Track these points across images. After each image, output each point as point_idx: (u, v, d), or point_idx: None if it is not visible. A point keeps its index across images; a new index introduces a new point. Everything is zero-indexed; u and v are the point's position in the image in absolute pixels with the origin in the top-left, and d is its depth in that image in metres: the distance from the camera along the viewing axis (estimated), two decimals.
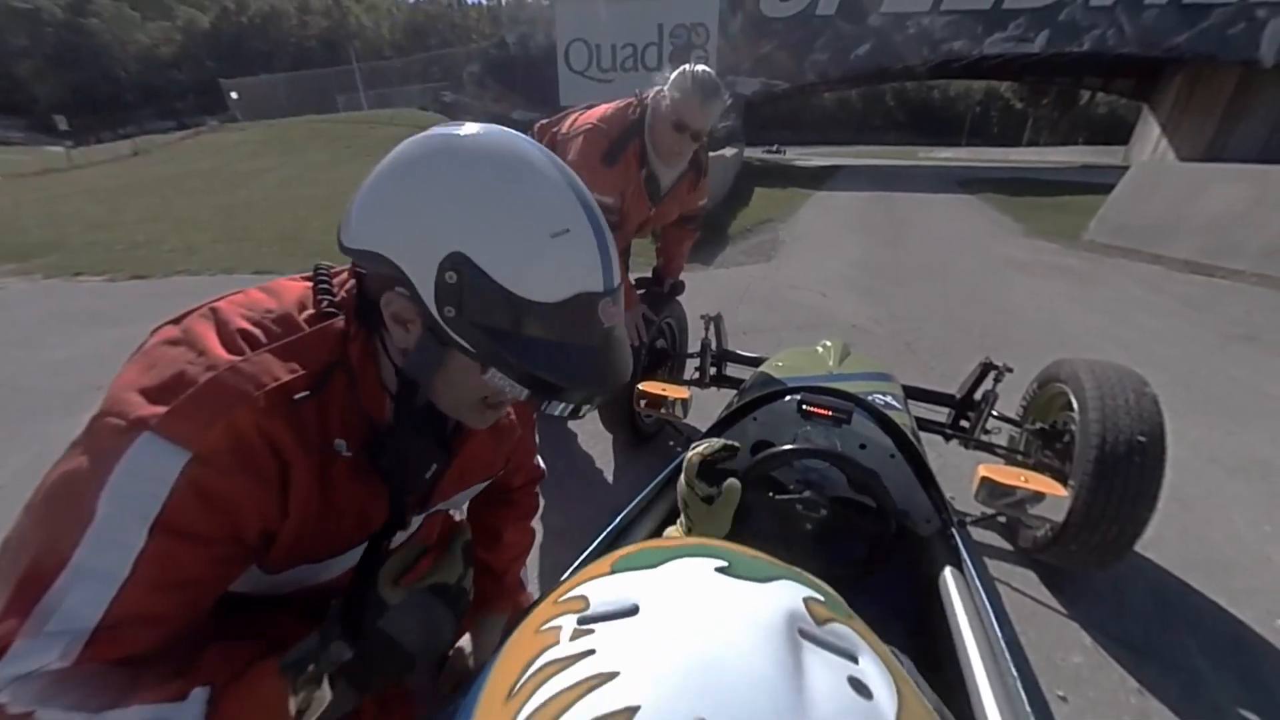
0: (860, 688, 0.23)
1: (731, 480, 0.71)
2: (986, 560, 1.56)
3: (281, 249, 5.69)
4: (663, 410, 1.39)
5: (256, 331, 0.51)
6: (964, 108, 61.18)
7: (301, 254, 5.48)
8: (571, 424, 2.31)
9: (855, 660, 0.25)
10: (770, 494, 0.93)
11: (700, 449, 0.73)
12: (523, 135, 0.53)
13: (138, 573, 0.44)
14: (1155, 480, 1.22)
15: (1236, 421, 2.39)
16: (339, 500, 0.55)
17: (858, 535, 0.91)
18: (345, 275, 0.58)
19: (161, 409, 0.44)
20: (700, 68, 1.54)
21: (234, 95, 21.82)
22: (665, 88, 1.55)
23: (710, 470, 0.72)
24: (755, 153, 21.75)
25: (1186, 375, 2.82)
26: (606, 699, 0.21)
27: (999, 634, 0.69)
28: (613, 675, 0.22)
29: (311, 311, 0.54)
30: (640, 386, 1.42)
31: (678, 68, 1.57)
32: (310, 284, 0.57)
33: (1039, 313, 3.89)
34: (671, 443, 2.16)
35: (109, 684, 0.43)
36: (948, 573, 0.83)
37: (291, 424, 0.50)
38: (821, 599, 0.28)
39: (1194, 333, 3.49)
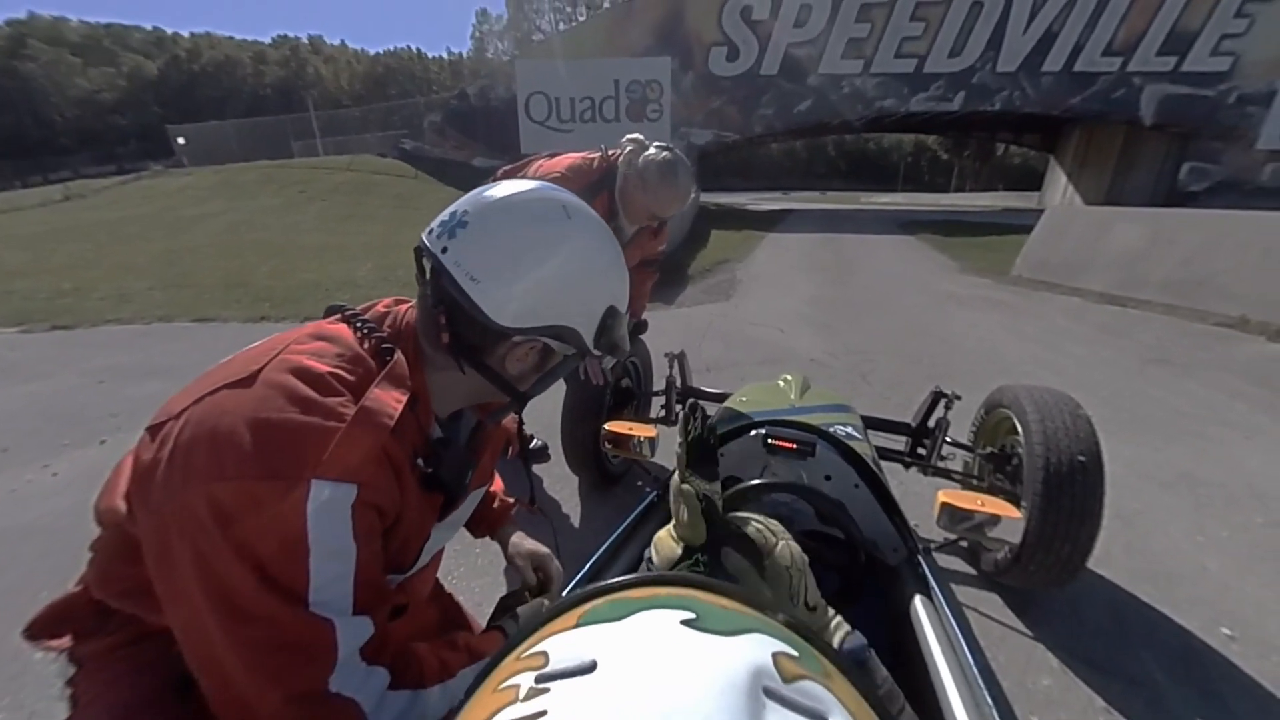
0: None
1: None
2: (953, 586, 1.59)
3: (226, 295, 5.44)
4: (630, 450, 1.37)
5: (341, 373, 0.56)
6: (897, 158, 66.87)
7: (248, 300, 5.25)
8: (537, 468, 2.24)
9: (823, 719, 0.24)
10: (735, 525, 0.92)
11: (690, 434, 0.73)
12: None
13: (359, 573, 0.53)
14: (1098, 498, 1.29)
15: (1161, 438, 2.58)
16: (413, 512, 0.62)
17: (829, 568, 0.90)
18: (382, 311, 0.67)
19: (313, 460, 0.50)
20: (665, 155, 1.56)
21: (181, 140, 21.25)
22: (636, 159, 1.57)
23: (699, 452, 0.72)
24: (712, 198, 22.82)
25: (1113, 397, 3.05)
26: None
27: (971, 661, 0.69)
28: None
29: (369, 346, 0.61)
30: (606, 427, 1.41)
31: (642, 145, 1.59)
32: (345, 325, 0.63)
33: (979, 343, 4.15)
34: (640, 482, 2.13)
35: (401, 678, 0.56)
36: (918, 601, 0.84)
37: (399, 443, 0.57)
38: (795, 654, 0.27)
39: (1115, 358, 3.80)
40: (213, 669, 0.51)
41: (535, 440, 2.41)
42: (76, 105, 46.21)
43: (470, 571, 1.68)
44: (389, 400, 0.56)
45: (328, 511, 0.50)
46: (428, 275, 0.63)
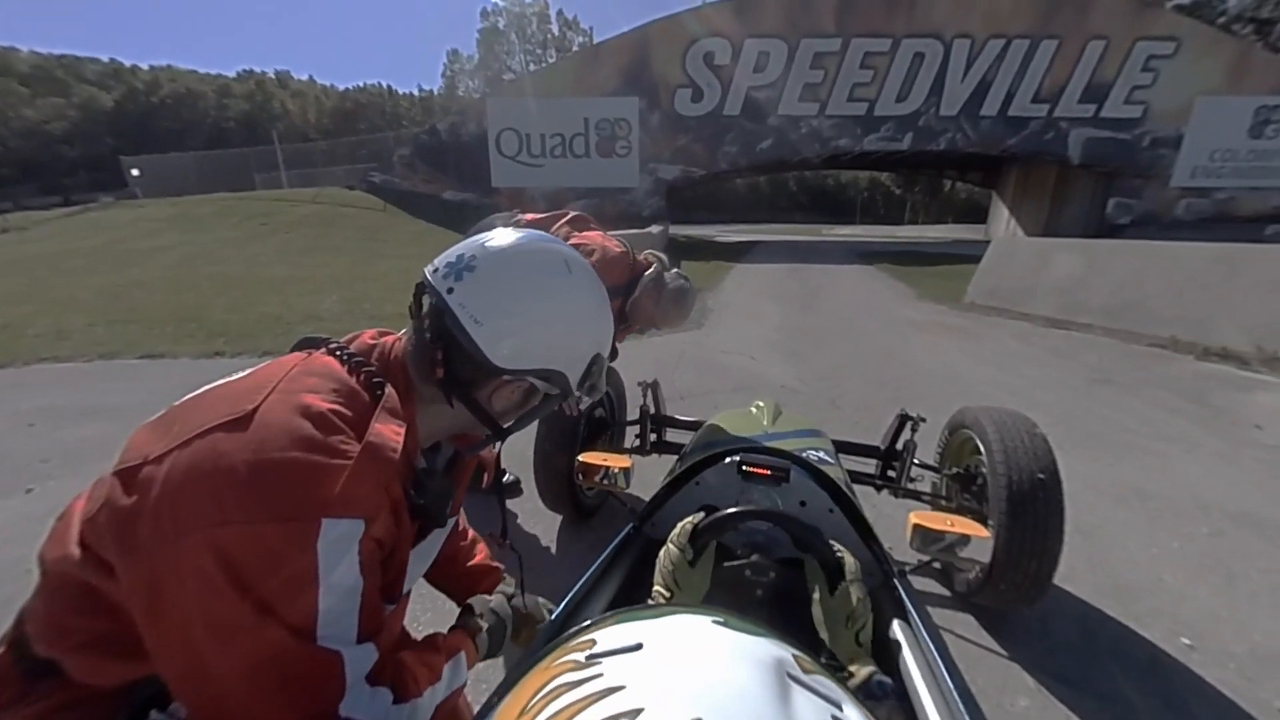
0: None
1: (711, 541, 0.82)
2: (929, 608, 1.60)
3: (177, 330, 5.18)
4: (605, 481, 1.35)
5: (339, 408, 0.56)
6: (854, 192, 70.67)
7: (202, 335, 5.01)
8: (510, 504, 2.17)
9: (840, 707, 0.27)
10: (720, 562, 0.91)
11: (691, 520, 0.85)
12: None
13: (364, 605, 0.54)
14: (1059, 514, 1.34)
15: (1111, 454, 2.71)
16: (405, 543, 0.63)
17: (807, 595, 0.90)
18: (369, 343, 0.67)
19: (324, 499, 0.50)
20: (682, 283, 1.70)
21: (135, 172, 20.55)
22: (660, 277, 1.68)
23: (694, 536, 0.83)
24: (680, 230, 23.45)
25: (1065, 416, 3.21)
26: (613, 705, 0.23)
27: (951, 685, 0.69)
28: (619, 688, 0.24)
29: (360, 380, 0.61)
30: (581, 459, 1.38)
31: (665, 266, 1.72)
32: (332, 359, 0.63)
33: (940, 366, 4.32)
34: (615, 515, 2.09)
35: (401, 693, 0.58)
36: (895, 625, 0.83)
37: (397, 475, 0.58)
38: (809, 661, 0.31)
39: (1063, 378, 4.01)
40: (218, 710, 0.50)
41: (508, 474, 2.34)
42: (21, 136, 44.30)
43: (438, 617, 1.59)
44: (390, 434, 0.57)
45: (337, 548, 0.50)
46: (424, 309, 0.65)
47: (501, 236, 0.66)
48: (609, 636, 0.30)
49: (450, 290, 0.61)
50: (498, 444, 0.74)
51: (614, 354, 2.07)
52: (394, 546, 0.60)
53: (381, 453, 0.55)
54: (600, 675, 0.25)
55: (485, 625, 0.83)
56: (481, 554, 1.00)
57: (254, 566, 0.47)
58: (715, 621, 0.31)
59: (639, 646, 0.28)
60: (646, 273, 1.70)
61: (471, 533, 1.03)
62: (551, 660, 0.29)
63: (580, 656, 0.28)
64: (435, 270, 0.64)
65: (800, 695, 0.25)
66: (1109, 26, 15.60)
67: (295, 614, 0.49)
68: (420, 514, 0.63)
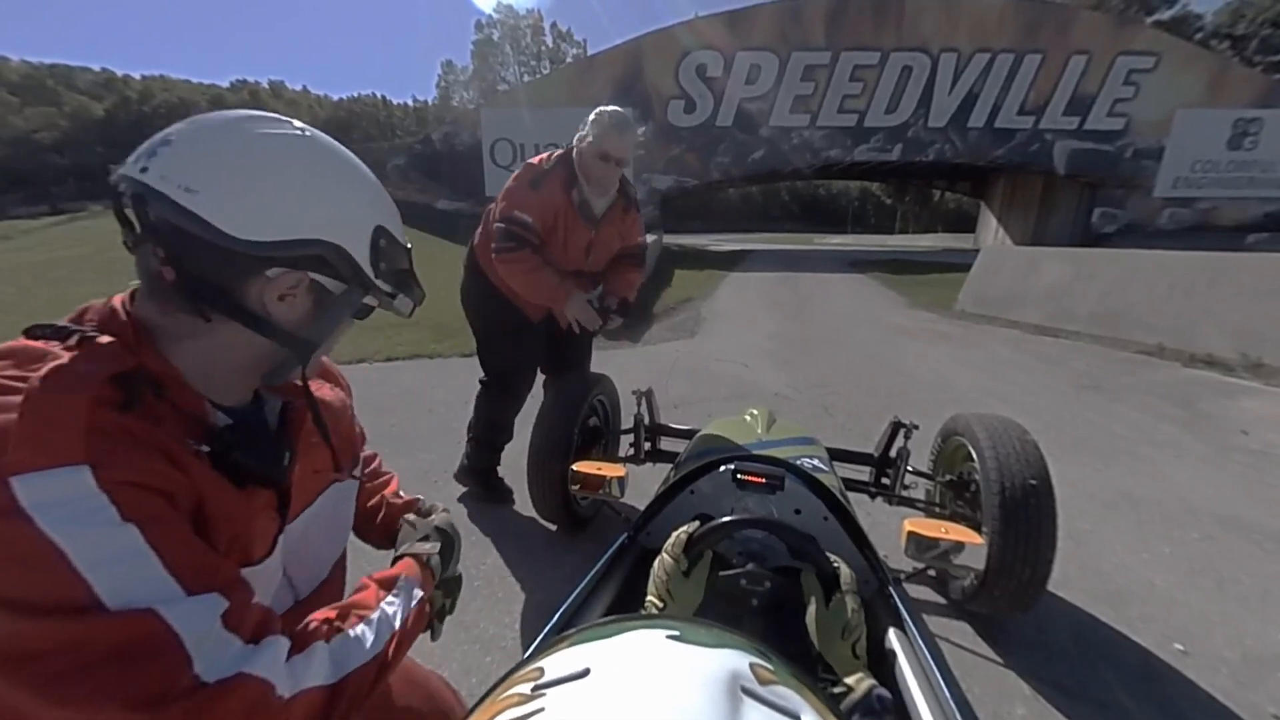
0: None
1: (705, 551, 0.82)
2: (924, 616, 1.59)
3: None
4: (599, 490, 1.34)
5: (5, 379, 0.44)
6: (845, 202, 71.55)
7: None
8: (502, 517, 2.16)
9: (798, 718, 0.26)
10: (715, 572, 0.90)
11: (686, 529, 0.84)
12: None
13: (163, 553, 0.44)
14: (1051, 519, 1.34)
15: (1100, 459, 2.74)
16: (223, 502, 0.53)
17: (803, 605, 0.89)
18: (82, 308, 0.53)
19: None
20: (613, 108, 1.80)
21: None
22: (585, 129, 1.79)
23: (688, 545, 0.83)
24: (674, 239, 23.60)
25: (1054, 422, 3.23)
26: None
27: (948, 694, 0.68)
28: None
29: (65, 344, 0.48)
30: (575, 468, 1.37)
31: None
32: (27, 339, 0.50)
33: (930, 373, 4.35)
34: (609, 524, 2.07)
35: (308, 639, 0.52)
36: (891, 634, 0.83)
37: (140, 423, 0.47)
38: (769, 666, 0.29)
39: (1053, 384, 4.05)
40: None
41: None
42: (9, 144, 43.96)
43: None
44: (82, 364, 0.46)
45: (61, 505, 0.41)
46: (135, 220, 0.50)
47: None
48: (557, 663, 0.29)
49: (144, 170, 0.48)
50: (305, 362, 0.59)
51: (626, 306, 2.05)
52: (199, 503, 0.50)
53: (57, 388, 0.43)
54: (541, 711, 0.25)
55: (435, 546, 0.74)
56: (393, 488, 0.91)
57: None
58: (669, 636, 0.29)
59: (585, 673, 0.27)
60: (575, 138, 1.84)
61: (384, 473, 0.93)
62: (498, 694, 0.28)
63: (526, 689, 0.27)
64: (124, 165, 0.50)
65: (753, 711, 0.25)
66: (1091, 42, 15.99)
67: (55, 593, 0.40)
68: (235, 472, 0.54)
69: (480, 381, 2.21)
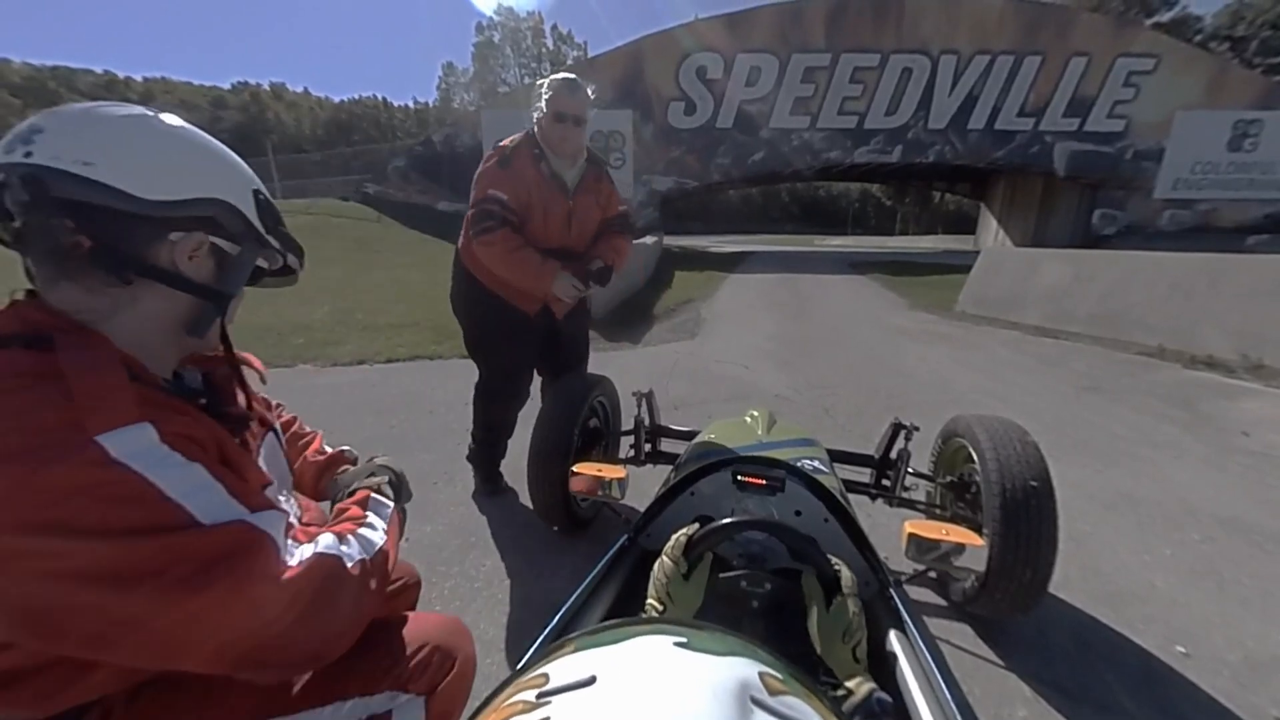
0: None
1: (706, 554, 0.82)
2: (925, 618, 1.59)
3: None
4: (599, 492, 1.34)
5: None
6: (845, 204, 71.62)
7: None
8: (502, 518, 2.16)
9: None
10: (716, 573, 0.90)
11: (686, 531, 0.84)
12: None
13: (224, 484, 0.56)
14: (1052, 521, 1.34)
15: (1101, 461, 2.73)
16: (232, 445, 0.64)
17: (803, 607, 0.89)
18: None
19: (75, 425, 0.48)
20: (561, 74, 1.84)
21: None
22: (539, 101, 1.82)
23: (688, 547, 0.83)
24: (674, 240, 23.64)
25: (1055, 423, 3.23)
26: None
27: (949, 697, 0.68)
28: None
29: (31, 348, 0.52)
30: (575, 469, 1.37)
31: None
32: None
33: (931, 374, 4.35)
34: (610, 526, 2.07)
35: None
36: (892, 636, 0.83)
37: (156, 391, 0.58)
38: (779, 675, 0.29)
39: (1053, 385, 4.05)
40: (192, 645, 0.51)
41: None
42: None
43: None
44: (89, 357, 0.53)
45: (143, 454, 0.50)
46: (15, 223, 0.54)
47: None
48: (562, 669, 0.28)
49: (29, 154, 0.51)
50: (221, 314, 0.66)
51: (607, 273, 2.00)
52: (222, 447, 0.60)
53: (93, 364, 0.51)
54: (548, 719, 0.24)
55: (384, 478, 0.87)
56: (317, 444, 1.01)
57: (77, 515, 0.46)
58: (677, 643, 0.29)
59: (592, 680, 0.26)
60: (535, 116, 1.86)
61: (307, 433, 1.02)
62: (503, 700, 0.28)
63: (530, 696, 0.27)
64: None
65: None
66: (1090, 43, 16.01)
67: (160, 518, 0.49)
68: (226, 421, 0.66)
69: (476, 386, 2.19)
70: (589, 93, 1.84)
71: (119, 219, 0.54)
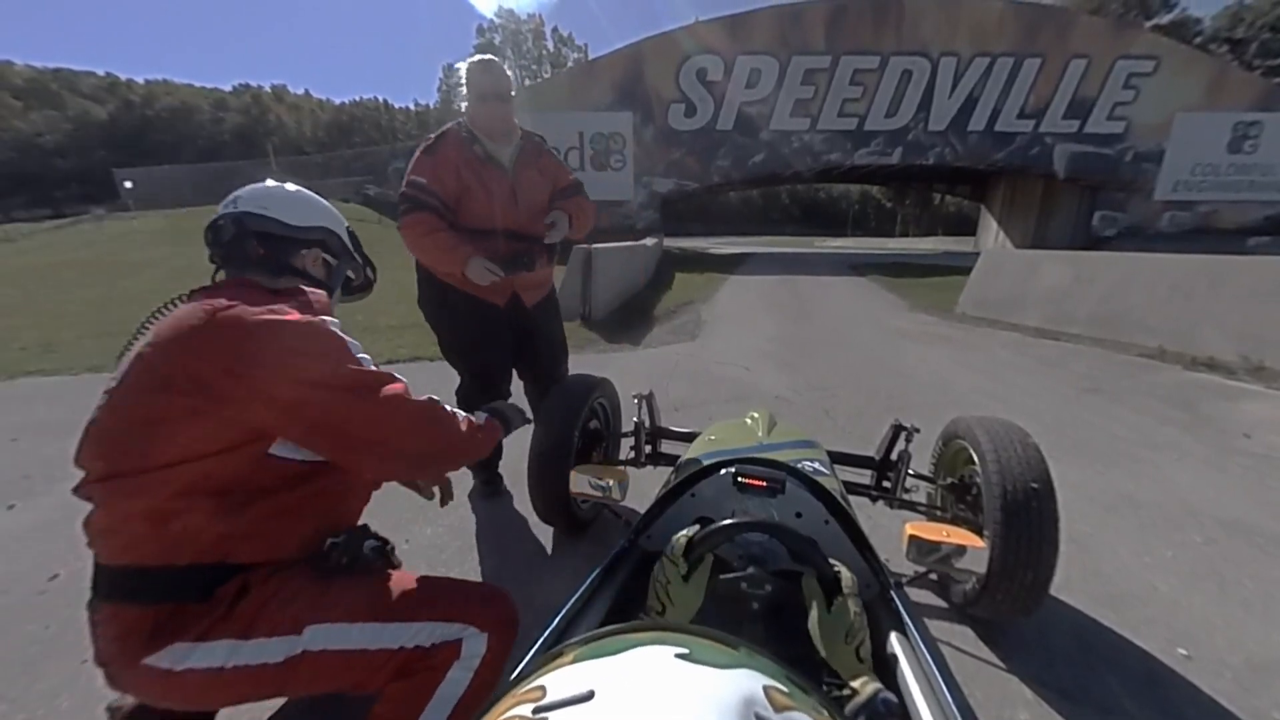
0: None
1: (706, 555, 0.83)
2: (926, 620, 1.59)
3: None
4: (600, 494, 1.34)
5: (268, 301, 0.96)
6: (845, 205, 71.67)
7: None
8: (503, 520, 2.16)
9: None
10: (716, 575, 0.90)
11: (687, 533, 0.86)
12: None
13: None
14: (1053, 523, 1.34)
15: (1102, 462, 2.73)
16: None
17: (804, 608, 0.89)
18: (221, 288, 0.97)
19: (314, 312, 0.95)
20: (477, 56, 1.90)
21: (128, 184, 20.47)
22: (464, 89, 1.90)
23: (688, 549, 0.84)
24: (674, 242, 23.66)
25: (1055, 425, 3.23)
26: None
27: (950, 700, 0.68)
28: None
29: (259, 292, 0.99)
30: (575, 471, 1.37)
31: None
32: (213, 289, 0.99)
33: (931, 376, 4.34)
34: (610, 527, 2.07)
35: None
36: (893, 638, 0.83)
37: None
38: (784, 689, 0.28)
39: (1054, 387, 4.05)
40: (378, 433, 0.91)
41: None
42: (13, 148, 44.13)
43: None
44: (310, 296, 1.01)
45: (340, 331, 0.93)
46: (228, 238, 1.02)
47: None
48: (559, 682, 0.28)
49: (236, 205, 1.04)
50: (332, 297, 1.13)
51: (527, 263, 1.97)
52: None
53: (310, 301, 0.99)
54: None
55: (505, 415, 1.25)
56: None
57: (328, 350, 0.89)
58: (678, 654, 0.28)
59: (590, 695, 0.26)
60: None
61: None
62: (499, 714, 0.28)
63: (526, 711, 0.26)
64: (218, 217, 1.03)
65: None
66: (1090, 46, 16.04)
67: (355, 359, 0.91)
68: None
69: (457, 393, 2.17)
70: (505, 70, 1.92)
71: (278, 239, 1.04)
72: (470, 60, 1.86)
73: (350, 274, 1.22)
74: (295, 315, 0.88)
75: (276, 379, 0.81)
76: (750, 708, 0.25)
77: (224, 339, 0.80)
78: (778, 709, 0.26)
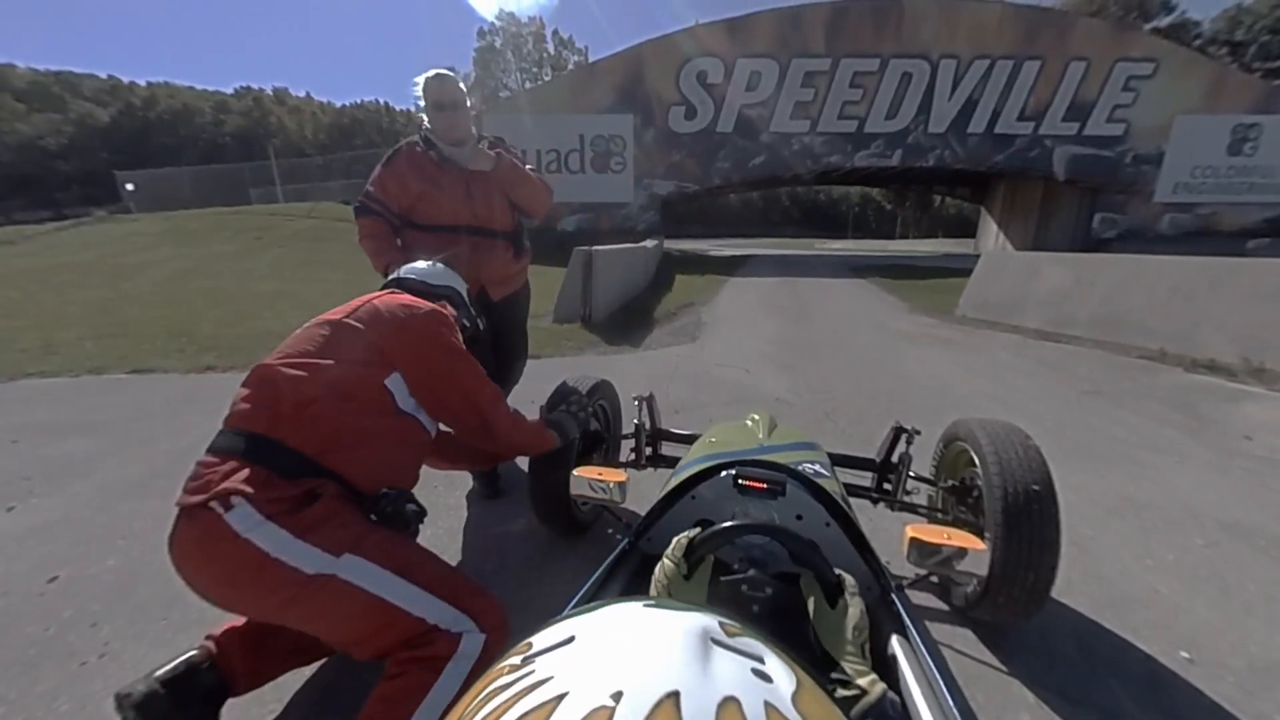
0: (762, 675, 0.28)
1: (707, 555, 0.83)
2: (927, 623, 1.58)
3: (168, 344, 5.14)
4: (600, 495, 1.34)
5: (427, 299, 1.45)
6: (846, 207, 71.73)
7: (193, 349, 4.97)
8: (503, 522, 2.15)
9: (761, 660, 0.30)
10: (717, 577, 0.90)
11: (687, 535, 0.85)
12: None
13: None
14: (1054, 525, 1.33)
15: (1103, 464, 2.72)
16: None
17: (805, 611, 0.89)
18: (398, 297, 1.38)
19: (443, 311, 1.38)
20: (431, 70, 2.03)
21: (130, 186, 20.53)
22: (420, 101, 2.03)
23: (689, 551, 0.84)
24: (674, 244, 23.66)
25: (1056, 427, 3.22)
26: (540, 695, 0.25)
27: (951, 703, 0.68)
28: (547, 679, 0.26)
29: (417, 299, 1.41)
30: (575, 473, 1.37)
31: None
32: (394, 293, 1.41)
33: (931, 378, 4.34)
34: (610, 530, 2.06)
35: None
36: (894, 641, 0.83)
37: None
38: (737, 627, 0.33)
39: (1055, 389, 4.04)
40: (472, 389, 1.33)
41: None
42: (15, 150, 44.21)
43: None
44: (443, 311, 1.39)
45: (455, 324, 1.37)
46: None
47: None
48: (545, 636, 0.32)
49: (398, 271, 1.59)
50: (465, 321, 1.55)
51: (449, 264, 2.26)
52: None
53: (443, 314, 1.36)
54: (532, 672, 0.28)
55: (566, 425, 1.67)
56: None
57: (450, 330, 1.32)
58: (646, 605, 0.33)
59: (571, 639, 0.30)
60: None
61: None
62: (493, 668, 0.31)
63: (517, 660, 0.30)
64: (400, 276, 1.56)
65: (721, 655, 0.28)
66: (1089, 48, 16.07)
67: (461, 340, 1.35)
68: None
69: None
70: (458, 82, 2.05)
71: (419, 290, 1.48)
72: (426, 75, 2.01)
73: (465, 321, 1.53)
74: (436, 306, 1.34)
75: (416, 325, 1.24)
76: (707, 635, 0.29)
77: (399, 299, 1.30)
78: (730, 635, 0.31)
